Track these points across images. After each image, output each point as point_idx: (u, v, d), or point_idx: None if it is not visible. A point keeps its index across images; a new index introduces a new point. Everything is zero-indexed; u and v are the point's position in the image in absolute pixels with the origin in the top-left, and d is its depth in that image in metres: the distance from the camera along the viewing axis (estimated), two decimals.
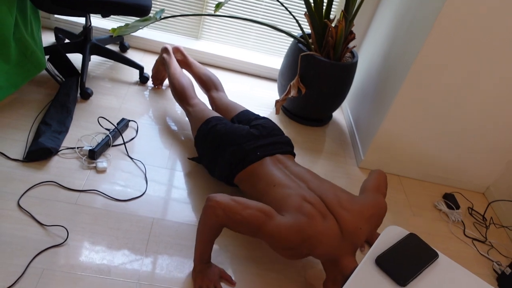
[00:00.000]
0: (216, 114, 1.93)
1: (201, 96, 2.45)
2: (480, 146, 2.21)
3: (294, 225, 1.36)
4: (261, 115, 2.50)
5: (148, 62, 2.65)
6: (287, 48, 2.86)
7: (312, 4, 2.27)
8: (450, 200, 2.24)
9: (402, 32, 2.14)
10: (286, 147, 1.79)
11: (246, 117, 1.92)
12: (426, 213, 2.17)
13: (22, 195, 1.63)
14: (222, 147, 1.76)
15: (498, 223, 2.24)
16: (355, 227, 1.43)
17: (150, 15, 2.20)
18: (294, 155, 1.83)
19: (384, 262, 0.88)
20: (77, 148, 1.90)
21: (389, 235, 0.95)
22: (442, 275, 0.90)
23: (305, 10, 2.68)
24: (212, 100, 2.14)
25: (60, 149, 1.87)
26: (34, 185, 1.68)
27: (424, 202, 2.24)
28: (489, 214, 2.28)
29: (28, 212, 1.58)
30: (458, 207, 2.22)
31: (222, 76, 2.75)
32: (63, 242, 1.52)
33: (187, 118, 2.27)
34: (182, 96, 2.08)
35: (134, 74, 2.52)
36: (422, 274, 0.89)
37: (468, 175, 2.35)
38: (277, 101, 2.40)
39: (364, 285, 0.83)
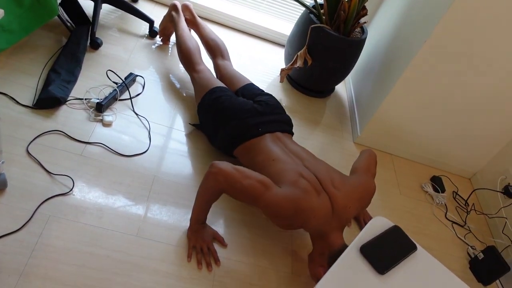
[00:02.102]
0: (220, 84, 1.96)
1: (206, 61, 2.47)
2: (472, 133, 2.29)
3: (290, 197, 1.45)
4: (266, 80, 2.54)
5: (158, 16, 2.64)
6: (299, 15, 2.86)
7: None
8: (437, 183, 2.34)
9: (415, 13, 2.15)
10: (286, 127, 1.85)
11: (251, 91, 1.96)
12: (413, 193, 2.27)
13: (31, 142, 1.70)
14: (225, 119, 1.81)
15: (479, 210, 2.36)
16: (344, 205, 1.52)
17: None
18: (292, 134, 1.90)
19: (367, 251, 0.97)
20: (85, 99, 1.94)
21: (375, 225, 1.04)
22: (418, 267, 1.00)
23: None
24: (217, 68, 2.17)
25: (69, 99, 1.91)
26: (42, 133, 1.74)
27: (412, 182, 2.34)
28: (472, 200, 2.40)
29: (36, 159, 1.65)
30: (443, 191, 2.33)
31: (229, 36, 2.75)
32: (69, 192, 1.60)
33: (189, 79, 2.31)
34: (187, 60, 2.10)
35: (143, 26, 2.52)
36: (401, 265, 0.99)
37: (457, 160, 2.44)
38: (282, 70, 2.43)
39: (348, 270, 0.92)
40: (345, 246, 1.46)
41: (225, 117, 1.81)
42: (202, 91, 1.94)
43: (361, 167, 1.71)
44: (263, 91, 1.99)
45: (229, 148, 1.82)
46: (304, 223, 1.48)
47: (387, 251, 0.99)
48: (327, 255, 1.47)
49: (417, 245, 1.05)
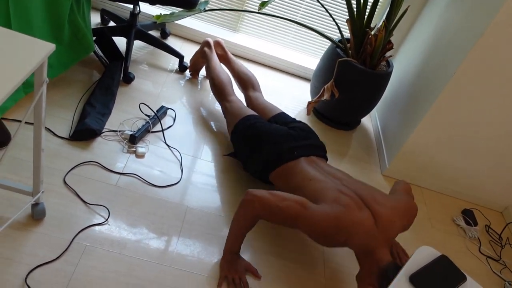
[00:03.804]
0: (253, 112, 2.00)
1: (238, 94, 2.52)
2: (503, 167, 2.26)
3: (331, 213, 1.44)
4: (293, 112, 2.57)
5: (187, 51, 2.72)
6: (324, 50, 2.91)
7: (355, 11, 2.31)
8: (469, 216, 2.30)
9: (441, 47, 2.18)
10: (321, 151, 1.86)
11: (284, 119, 1.99)
12: (445, 226, 2.23)
13: (68, 172, 1.73)
14: (260, 144, 1.83)
15: None
16: (389, 220, 1.50)
17: None
18: (327, 159, 1.90)
19: (417, 281, 0.95)
20: (119, 131, 1.99)
21: (421, 254, 1.03)
22: None
23: (347, 16, 2.72)
24: (249, 99, 2.21)
25: (103, 131, 1.96)
26: (78, 164, 1.78)
27: (443, 215, 2.30)
28: (506, 234, 2.34)
29: (73, 189, 1.68)
30: (476, 224, 2.28)
31: (256, 71, 2.81)
32: (105, 222, 1.62)
33: (219, 111, 2.35)
34: (220, 91, 2.15)
35: (173, 61, 2.60)
36: None
37: (488, 193, 2.40)
38: (309, 103, 2.46)
39: None
40: (393, 263, 1.40)
41: (260, 142, 1.83)
42: (235, 119, 1.97)
43: (400, 189, 1.70)
44: (295, 119, 2.01)
45: (264, 173, 1.83)
46: (347, 239, 1.45)
47: (437, 281, 0.97)
48: (376, 273, 1.42)
49: (467, 275, 1.03)
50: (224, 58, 2.43)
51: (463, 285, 1.01)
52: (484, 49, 1.87)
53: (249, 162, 1.89)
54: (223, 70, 2.27)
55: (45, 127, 1.87)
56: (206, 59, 2.37)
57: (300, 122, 1.98)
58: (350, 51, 2.42)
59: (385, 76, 2.41)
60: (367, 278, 1.47)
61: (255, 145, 1.85)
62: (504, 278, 2.07)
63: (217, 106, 2.39)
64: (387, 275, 1.36)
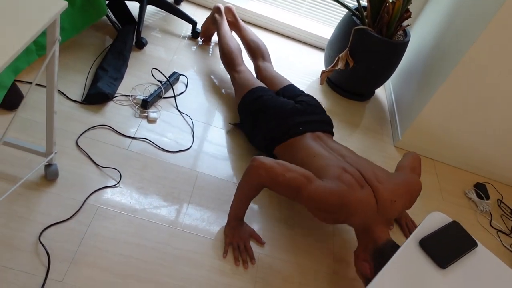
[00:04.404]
0: (261, 84, 1.97)
1: (247, 63, 2.49)
2: None
3: (334, 189, 1.44)
4: (305, 82, 2.54)
5: (199, 17, 2.68)
6: (340, 18, 2.85)
7: None
8: (481, 190, 2.28)
9: (460, 17, 2.12)
10: (327, 126, 1.84)
11: (292, 92, 1.96)
12: (456, 199, 2.22)
13: (80, 135, 1.74)
14: (266, 119, 1.81)
15: None
16: (390, 199, 1.49)
17: None
18: (333, 134, 1.88)
19: (427, 245, 0.95)
20: (131, 96, 1.99)
21: (433, 219, 1.02)
22: (479, 263, 0.97)
23: None
24: (258, 69, 2.18)
25: (115, 95, 1.96)
26: (91, 127, 1.79)
27: (455, 188, 2.28)
28: None
29: (85, 152, 1.69)
30: (488, 198, 2.26)
31: (270, 39, 2.77)
32: (116, 184, 1.63)
33: (229, 79, 2.33)
34: (229, 60, 2.12)
35: (185, 27, 2.56)
36: (461, 260, 0.97)
37: (502, 167, 2.37)
38: (323, 72, 2.43)
39: (407, 263, 0.90)
40: (390, 241, 1.43)
41: (266, 116, 1.82)
42: (243, 90, 1.95)
43: (406, 166, 1.68)
44: (303, 92, 1.99)
45: (269, 147, 1.82)
46: (348, 217, 1.46)
47: (447, 246, 0.97)
48: (371, 250, 1.44)
49: (478, 241, 1.02)
50: (234, 25, 2.39)
51: (474, 251, 1.00)
52: (505, 19, 1.81)
53: (253, 135, 1.88)
54: (233, 38, 2.24)
55: (58, 90, 1.88)
56: (216, 26, 2.33)
57: (308, 95, 1.95)
58: (366, 20, 2.36)
59: (402, 46, 2.36)
60: (362, 254, 1.49)
61: (260, 119, 1.83)
62: None
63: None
64: (384, 253, 1.37)
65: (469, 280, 0.91)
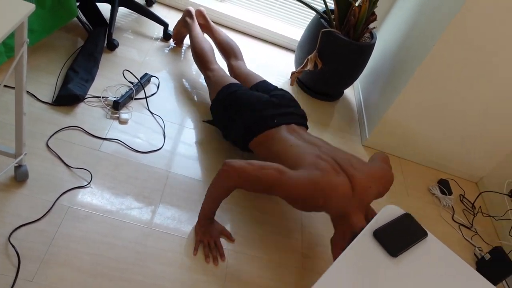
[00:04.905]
0: (235, 80, 2.02)
1: (220, 62, 2.53)
2: (478, 139, 2.33)
3: (308, 177, 1.48)
4: (276, 83, 2.60)
5: (172, 19, 2.71)
6: (309, 20, 2.92)
7: None
8: (444, 186, 2.38)
9: (422, 20, 2.21)
10: (301, 119, 1.90)
11: (265, 87, 2.01)
12: (420, 195, 2.31)
13: (51, 136, 1.75)
14: (241, 112, 1.85)
15: (485, 213, 2.38)
16: (365, 185, 1.55)
17: None
18: (307, 127, 1.94)
19: (380, 236, 1.01)
20: (102, 97, 2.00)
21: (387, 212, 1.08)
22: (428, 251, 1.04)
23: None
24: (231, 68, 2.22)
25: (86, 96, 1.97)
26: (61, 129, 1.80)
27: (420, 185, 2.37)
28: (479, 203, 2.43)
29: (56, 153, 1.71)
30: (450, 193, 2.36)
31: (241, 41, 2.82)
32: (87, 184, 1.65)
33: (201, 80, 2.37)
34: (202, 60, 2.16)
35: (157, 29, 2.59)
36: (412, 249, 1.03)
37: (464, 164, 2.47)
38: (293, 73, 2.49)
39: (362, 253, 0.96)
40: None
41: (241, 109, 1.85)
42: (217, 87, 1.99)
43: (378, 159, 1.75)
44: (277, 87, 2.04)
45: (244, 141, 1.85)
46: (324, 203, 1.49)
47: (399, 236, 1.03)
48: (348, 237, 1.47)
49: (428, 232, 1.09)
50: (206, 27, 2.43)
51: (424, 240, 1.07)
52: (461, 23, 1.90)
53: (229, 130, 1.92)
54: (205, 39, 2.28)
55: (28, 92, 1.88)
56: (188, 28, 2.37)
57: (281, 90, 2.00)
58: (334, 22, 2.44)
59: (368, 48, 2.44)
60: (339, 241, 1.52)
61: (236, 113, 1.87)
62: (474, 244, 2.16)
63: (201, 75, 2.41)
64: None
65: (419, 267, 0.98)
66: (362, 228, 1.46)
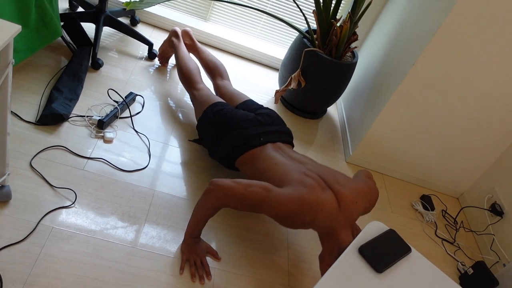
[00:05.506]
0: (221, 99, 2.04)
1: (206, 82, 2.55)
2: (459, 155, 2.38)
3: (294, 194, 1.50)
4: (261, 101, 2.63)
5: (156, 38, 2.73)
6: (292, 40, 2.98)
7: (321, 3, 2.38)
8: (427, 202, 2.42)
9: (402, 40, 2.27)
10: (287, 137, 1.92)
11: (251, 106, 2.04)
12: (404, 211, 2.34)
13: (34, 156, 1.74)
14: (227, 131, 1.87)
15: (467, 228, 2.43)
16: (351, 201, 1.56)
17: None
18: (293, 145, 1.96)
19: (365, 252, 1.03)
20: (87, 116, 2.00)
21: (371, 228, 1.10)
22: (412, 267, 1.06)
23: (314, 7, 2.79)
24: (217, 88, 2.25)
25: (71, 116, 1.97)
26: (45, 148, 1.79)
27: (403, 201, 2.41)
28: (461, 218, 2.47)
29: (39, 173, 1.69)
30: (433, 209, 2.40)
31: (225, 60, 2.85)
32: (71, 204, 1.64)
33: (187, 99, 2.38)
34: (188, 79, 2.18)
35: (142, 48, 2.61)
36: (396, 265, 1.05)
37: (445, 180, 2.52)
38: (277, 91, 2.52)
39: (347, 269, 0.97)
40: None
41: (227, 128, 1.87)
42: (203, 106, 2.00)
43: (362, 175, 1.78)
44: (262, 106, 2.06)
45: (230, 159, 1.87)
46: (311, 220, 1.50)
47: (384, 252, 1.05)
48: (336, 254, 1.48)
49: (412, 247, 1.11)
50: (192, 47, 2.46)
51: (408, 256, 1.09)
52: (440, 42, 1.97)
53: (215, 148, 1.93)
54: (191, 59, 2.30)
55: (12, 112, 1.87)
56: (174, 48, 2.39)
57: (267, 108, 2.03)
58: (316, 42, 2.49)
59: (350, 67, 2.49)
60: (327, 258, 1.53)
61: (222, 131, 1.89)
62: (457, 259, 2.19)
63: (186, 94, 2.43)
64: None
65: (403, 282, 1.00)
66: (350, 244, 1.48)
